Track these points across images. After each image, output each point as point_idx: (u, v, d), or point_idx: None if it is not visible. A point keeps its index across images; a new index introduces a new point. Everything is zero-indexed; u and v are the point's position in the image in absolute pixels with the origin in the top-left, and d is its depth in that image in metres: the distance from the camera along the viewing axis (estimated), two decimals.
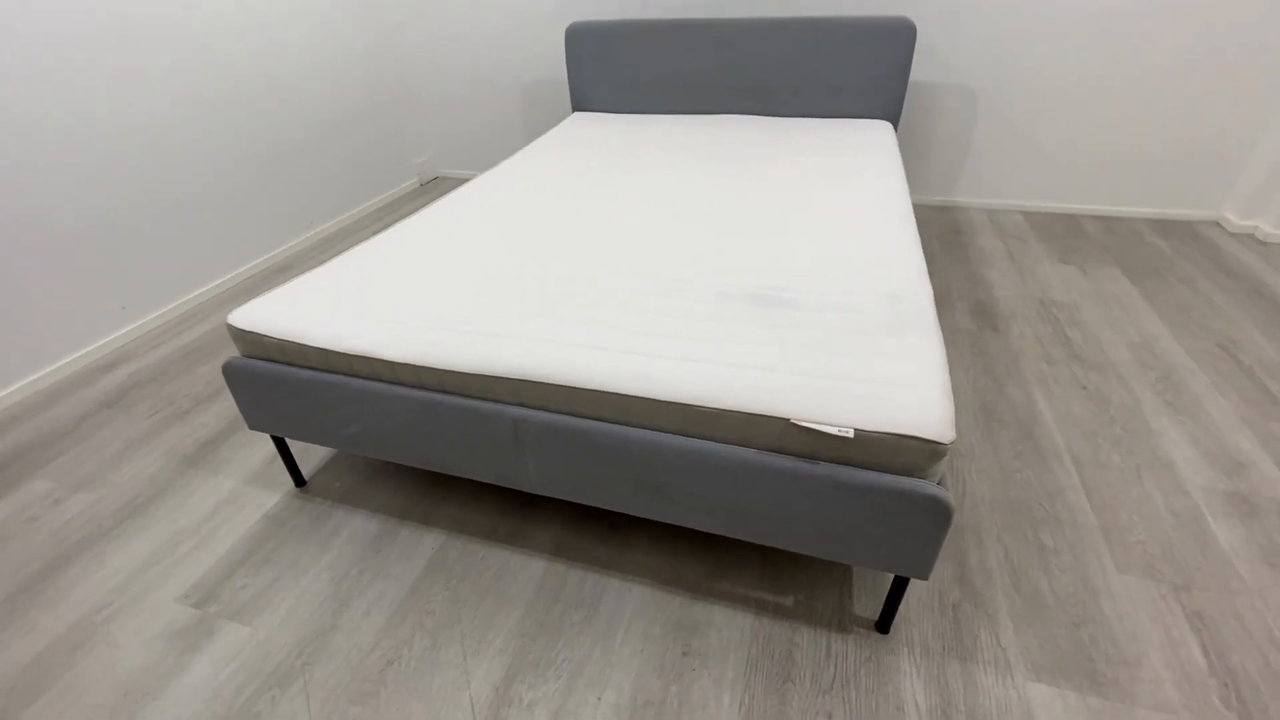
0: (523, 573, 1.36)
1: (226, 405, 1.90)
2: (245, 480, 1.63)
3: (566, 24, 3.05)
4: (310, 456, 1.70)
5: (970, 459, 1.61)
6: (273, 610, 1.30)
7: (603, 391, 1.09)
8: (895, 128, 2.60)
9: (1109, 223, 2.84)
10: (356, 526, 1.48)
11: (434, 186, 3.64)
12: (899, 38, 2.42)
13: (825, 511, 1.05)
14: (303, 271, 2.63)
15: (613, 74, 2.81)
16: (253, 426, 1.46)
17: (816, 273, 1.39)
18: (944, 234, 2.81)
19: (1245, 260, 2.48)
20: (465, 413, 1.20)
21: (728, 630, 1.23)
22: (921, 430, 0.96)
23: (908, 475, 1.00)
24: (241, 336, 1.33)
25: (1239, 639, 1.18)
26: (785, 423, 1.01)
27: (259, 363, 1.35)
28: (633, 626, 1.24)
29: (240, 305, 1.39)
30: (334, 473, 1.65)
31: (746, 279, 1.38)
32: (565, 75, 3.20)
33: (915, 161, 3.03)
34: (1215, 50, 2.45)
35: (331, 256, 2.80)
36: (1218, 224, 2.78)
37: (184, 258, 2.39)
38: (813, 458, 1.03)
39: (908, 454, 0.97)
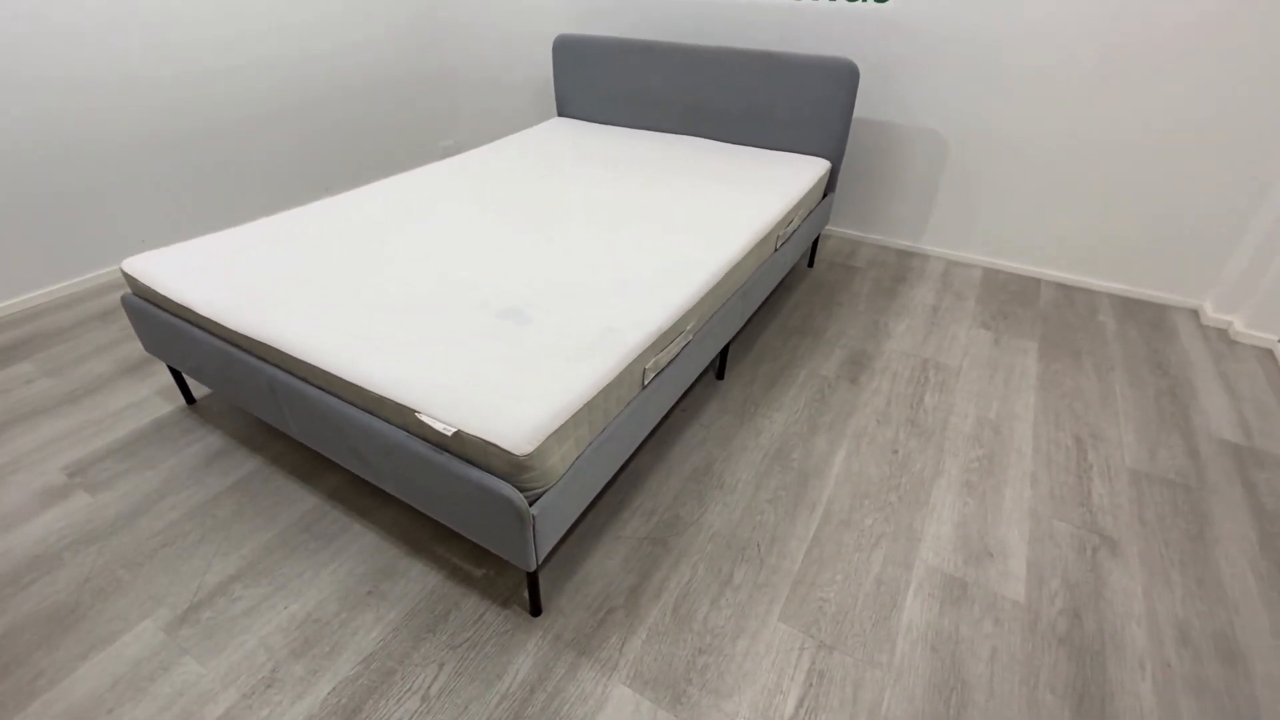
0: (297, 504, 1.66)
1: None
2: (156, 392, 2.05)
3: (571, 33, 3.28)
4: None
5: (728, 492, 1.71)
6: (114, 491, 1.69)
7: (313, 365, 1.35)
8: (837, 166, 2.62)
9: (1070, 292, 2.67)
10: (208, 443, 1.85)
11: None
12: (841, 79, 2.43)
13: (449, 494, 1.25)
14: None
15: (591, 86, 3.01)
16: (147, 349, 1.87)
17: (575, 296, 1.56)
18: (885, 280, 2.77)
19: (1193, 357, 2.27)
20: (243, 365, 1.51)
21: (415, 583, 1.46)
22: (501, 440, 1.13)
23: (504, 478, 1.18)
24: (128, 278, 1.72)
25: (841, 704, 1.24)
26: (413, 414, 1.22)
27: (140, 300, 1.73)
28: (345, 563, 1.51)
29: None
30: (218, 398, 2.03)
31: (517, 293, 1.57)
32: None
33: (882, 203, 2.99)
34: (1210, 124, 2.25)
35: None
36: (1195, 313, 2.53)
37: (201, 206, 2.91)
38: (441, 448, 1.23)
39: (494, 458, 1.15)
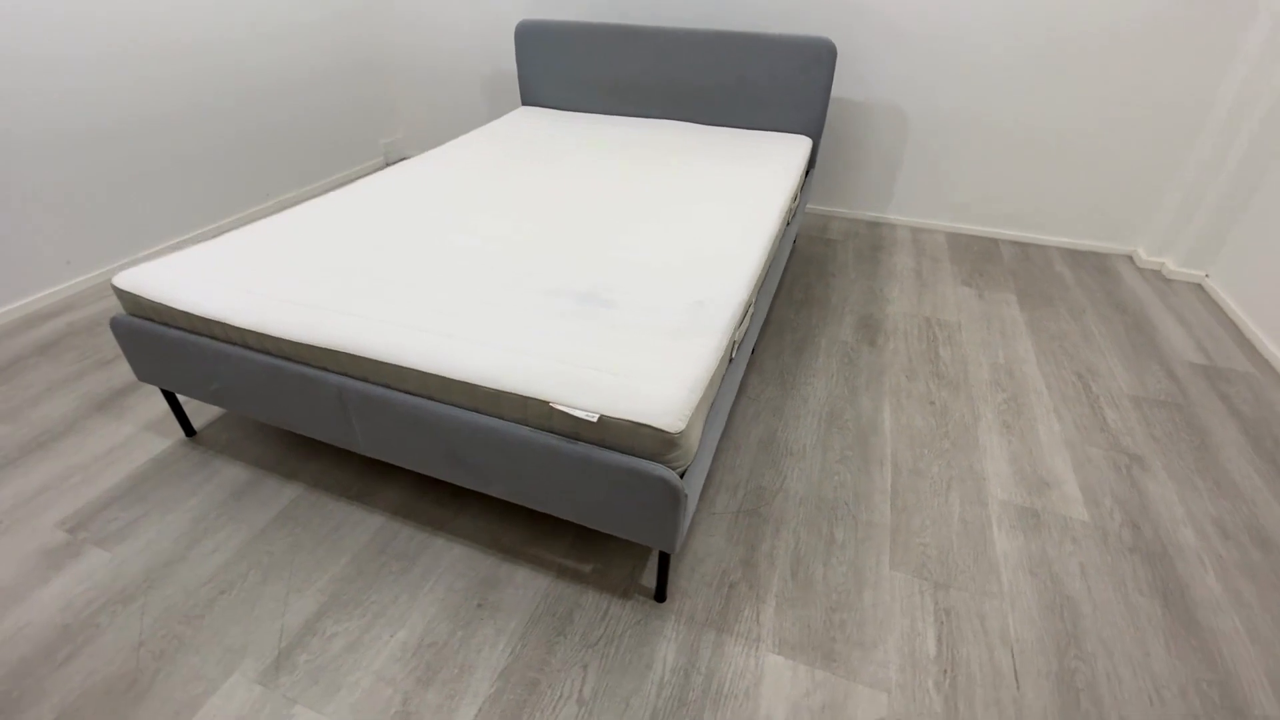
0: (360, 526, 1.52)
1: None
2: (143, 426, 1.80)
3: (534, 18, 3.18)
4: (206, 410, 1.87)
5: (799, 458, 1.74)
6: (133, 541, 1.47)
7: (404, 366, 1.24)
8: (816, 143, 2.72)
9: (1025, 249, 2.93)
10: (228, 475, 1.65)
11: None
12: (820, 57, 2.53)
13: (585, 485, 1.20)
14: None
15: (558, 72, 2.94)
16: (141, 378, 1.63)
17: (648, 276, 1.53)
18: (863, 249, 2.92)
19: (1141, 295, 2.57)
20: (299, 378, 1.36)
21: (525, 589, 1.38)
22: (652, 419, 1.10)
23: (651, 459, 1.14)
24: (122, 296, 1.49)
25: (974, 635, 1.31)
26: (548, 405, 1.15)
27: (139, 320, 1.51)
28: (441, 579, 1.40)
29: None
30: (223, 426, 1.81)
31: (584, 277, 1.52)
32: None
33: (849, 177, 3.13)
34: (1136, 89, 2.53)
35: None
36: (1130, 258, 2.86)
37: (131, 218, 2.57)
38: (575, 438, 1.18)
39: (643, 439, 1.11)
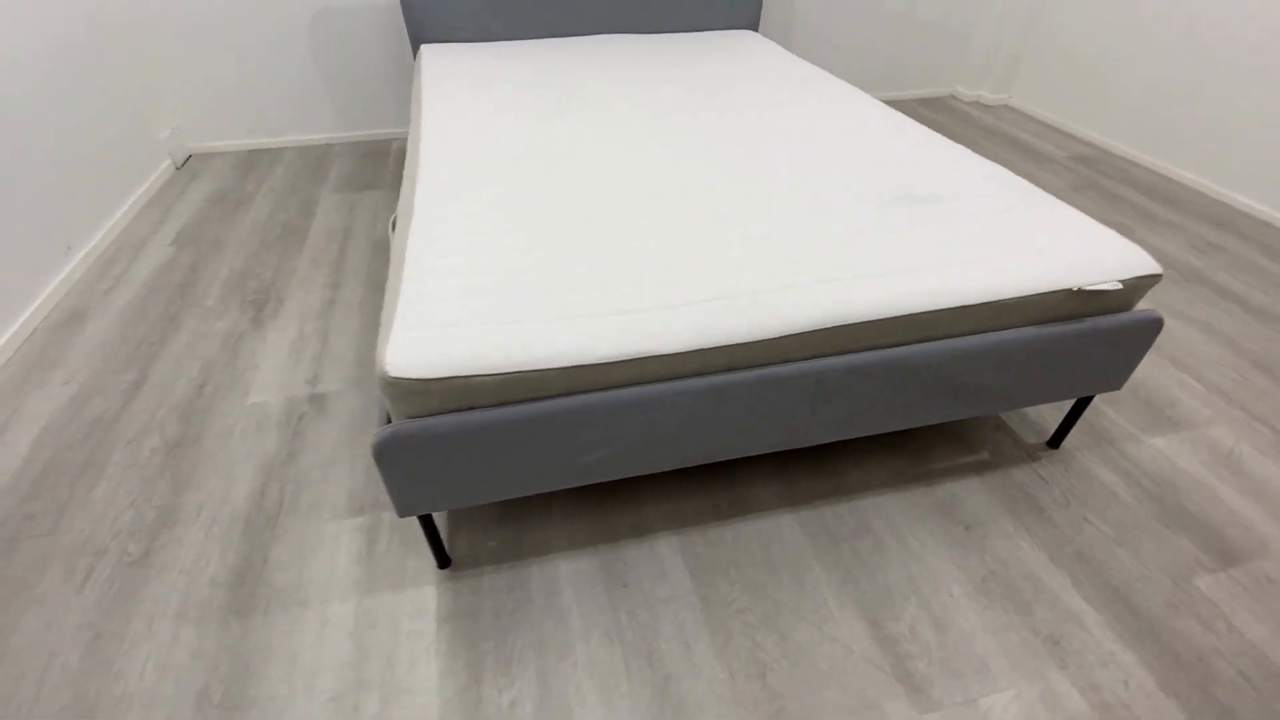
0: (784, 533, 1.30)
1: (196, 522, 1.29)
2: (357, 595, 1.17)
3: None
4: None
5: None
6: (583, 703, 1.03)
7: (909, 315, 1.08)
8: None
9: (894, 105, 3.48)
10: (569, 574, 1.21)
11: (196, 167, 2.68)
12: None
13: (1078, 360, 1.24)
14: (106, 310, 1.83)
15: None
16: (406, 513, 1.05)
17: (911, 173, 1.50)
18: None
19: (989, 121, 3.31)
20: (760, 384, 1.06)
21: (972, 498, 1.38)
22: (1153, 268, 1.18)
23: (1130, 309, 1.23)
24: (424, 389, 0.92)
25: (1202, 363, 1.75)
26: (1065, 293, 1.14)
27: (446, 418, 0.96)
28: (913, 531, 1.31)
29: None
30: (470, 536, 1.28)
31: (869, 187, 1.43)
32: (368, 2, 2.58)
33: None
34: None
35: (132, 277, 1.95)
36: (953, 96, 3.62)
37: None
38: (1079, 317, 1.20)
39: (1140, 291, 1.20)
